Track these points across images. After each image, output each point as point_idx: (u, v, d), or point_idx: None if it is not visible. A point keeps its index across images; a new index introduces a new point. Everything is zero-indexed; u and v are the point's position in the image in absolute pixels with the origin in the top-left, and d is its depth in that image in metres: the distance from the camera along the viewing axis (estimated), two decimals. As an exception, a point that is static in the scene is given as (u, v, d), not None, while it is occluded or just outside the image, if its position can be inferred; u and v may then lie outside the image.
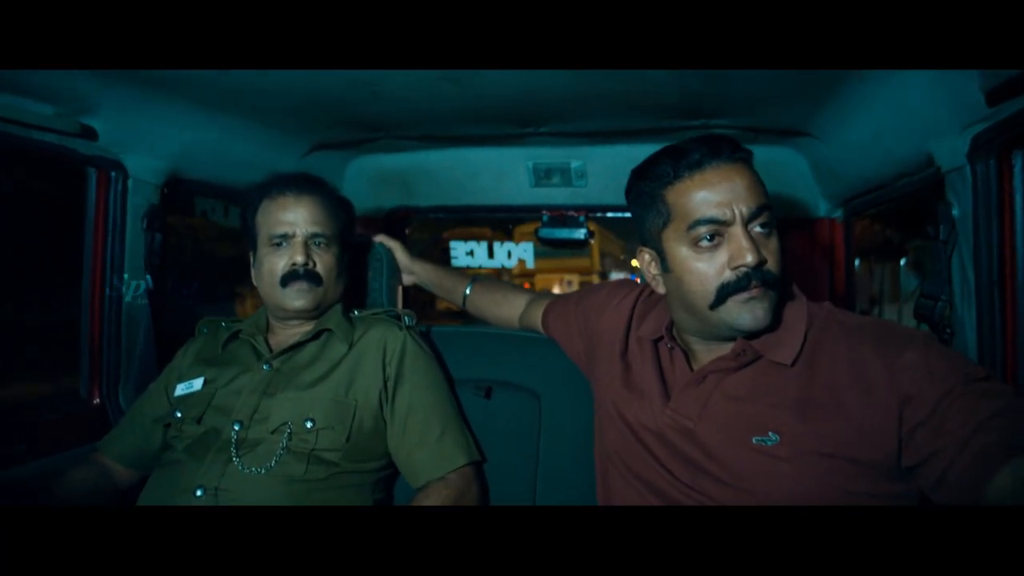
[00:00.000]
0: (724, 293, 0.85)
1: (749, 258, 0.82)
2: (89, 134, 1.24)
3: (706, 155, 0.85)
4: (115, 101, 1.22)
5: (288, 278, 1.18)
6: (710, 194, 0.84)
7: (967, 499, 0.68)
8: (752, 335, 0.87)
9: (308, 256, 1.18)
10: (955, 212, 1.02)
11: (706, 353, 0.93)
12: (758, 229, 0.84)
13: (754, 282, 0.83)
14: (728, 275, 0.84)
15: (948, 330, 1.05)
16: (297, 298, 1.18)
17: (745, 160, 0.87)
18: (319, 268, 1.20)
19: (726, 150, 0.85)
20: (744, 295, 0.83)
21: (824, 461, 0.79)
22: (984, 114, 0.90)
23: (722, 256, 0.84)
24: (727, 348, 0.90)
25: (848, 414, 0.79)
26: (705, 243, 0.85)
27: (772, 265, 0.84)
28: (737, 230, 0.83)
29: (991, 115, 0.89)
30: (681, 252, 0.87)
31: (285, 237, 1.19)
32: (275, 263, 1.18)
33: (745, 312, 0.84)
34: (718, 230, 0.84)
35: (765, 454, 0.82)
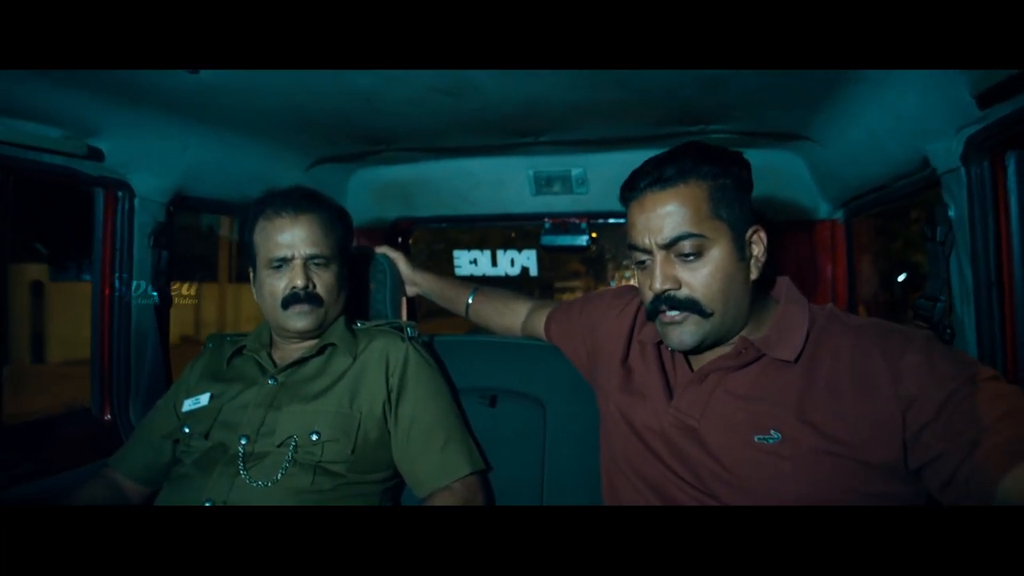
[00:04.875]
0: (649, 315, 0.92)
1: (656, 284, 0.88)
2: (96, 155, 1.27)
3: (651, 183, 0.88)
4: (121, 122, 1.25)
5: (289, 300, 1.18)
6: (639, 221, 0.89)
7: (977, 500, 0.68)
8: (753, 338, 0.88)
9: (308, 278, 1.19)
10: (951, 213, 1.02)
11: (708, 353, 0.94)
12: (682, 256, 0.87)
13: (663, 307, 0.88)
14: (650, 297, 0.90)
15: (948, 331, 1.05)
16: (298, 320, 1.19)
17: (678, 184, 0.86)
18: (319, 289, 1.21)
19: (669, 174, 0.87)
20: (662, 318, 0.89)
21: (826, 460, 0.79)
22: (976, 116, 0.90)
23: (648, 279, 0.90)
24: (728, 347, 0.91)
25: (849, 413, 0.79)
26: (642, 266, 0.92)
27: (693, 290, 0.87)
28: (654, 256, 0.89)
29: (983, 117, 0.90)
30: (636, 272, 0.95)
31: (284, 260, 1.19)
32: (275, 285, 1.19)
33: (666, 334, 0.91)
34: (645, 257, 0.90)
35: (767, 453, 0.82)
